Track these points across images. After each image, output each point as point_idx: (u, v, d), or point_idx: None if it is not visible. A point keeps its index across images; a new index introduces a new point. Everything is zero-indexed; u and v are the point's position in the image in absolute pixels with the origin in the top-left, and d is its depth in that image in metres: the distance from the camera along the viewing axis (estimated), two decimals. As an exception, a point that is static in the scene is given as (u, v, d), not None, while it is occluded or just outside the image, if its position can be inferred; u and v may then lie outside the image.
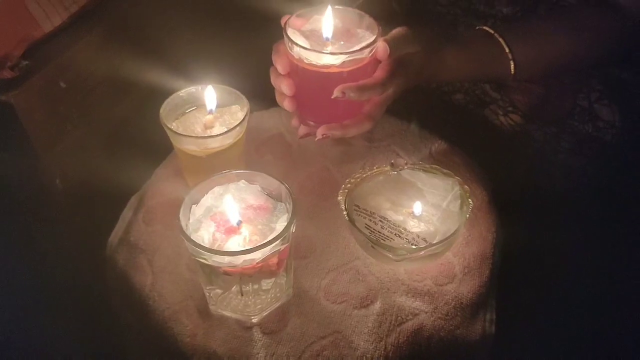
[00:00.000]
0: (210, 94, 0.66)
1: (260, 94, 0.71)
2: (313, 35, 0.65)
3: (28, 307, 0.80)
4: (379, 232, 0.62)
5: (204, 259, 0.53)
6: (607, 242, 0.74)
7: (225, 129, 0.64)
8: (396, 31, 0.64)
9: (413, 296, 0.60)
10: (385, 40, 0.63)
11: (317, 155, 0.74)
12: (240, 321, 0.58)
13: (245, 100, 0.67)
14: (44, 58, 0.74)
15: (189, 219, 0.56)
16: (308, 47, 0.62)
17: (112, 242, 0.67)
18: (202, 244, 0.53)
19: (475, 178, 0.70)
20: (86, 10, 0.79)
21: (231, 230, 0.55)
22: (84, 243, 0.75)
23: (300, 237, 0.63)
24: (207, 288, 0.58)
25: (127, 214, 0.70)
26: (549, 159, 0.79)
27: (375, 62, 0.63)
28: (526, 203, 0.75)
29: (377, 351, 0.56)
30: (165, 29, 0.89)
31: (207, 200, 0.57)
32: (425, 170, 0.65)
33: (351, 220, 0.61)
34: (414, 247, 0.60)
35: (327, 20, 0.64)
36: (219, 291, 0.57)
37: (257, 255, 0.52)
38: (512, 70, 0.71)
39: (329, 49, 0.64)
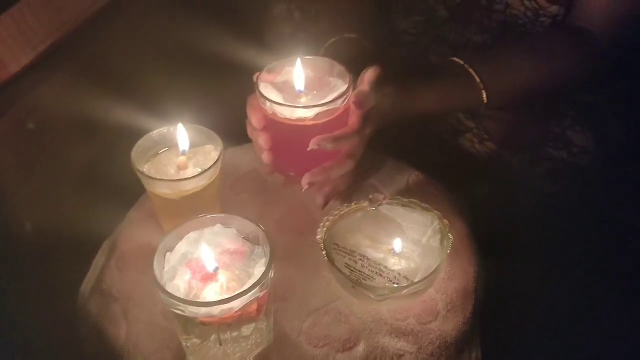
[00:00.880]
0: (182, 134, 0.65)
1: (234, 131, 0.70)
2: (286, 87, 0.65)
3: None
4: (359, 271, 0.61)
5: (180, 310, 0.51)
6: (589, 270, 0.74)
7: (200, 170, 0.63)
8: (371, 73, 0.63)
9: (397, 336, 0.58)
10: (363, 90, 0.62)
11: (293, 191, 0.72)
12: (220, 371, 0.56)
13: (218, 140, 0.65)
14: (10, 99, 0.72)
15: (163, 268, 0.54)
16: (281, 101, 0.62)
17: (84, 290, 0.65)
18: (177, 293, 0.51)
19: (453, 210, 0.70)
20: (54, 50, 0.78)
21: (207, 277, 0.53)
22: (54, 291, 0.72)
23: (279, 279, 0.61)
24: (184, 337, 0.56)
25: (99, 260, 0.68)
26: (526, 185, 0.79)
27: (349, 109, 0.63)
28: (505, 232, 0.75)
29: (363, 396, 0.55)
30: (134, 67, 0.88)
31: (182, 246, 0.55)
32: (403, 205, 0.65)
33: (331, 260, 0.60)
34: (395, 286, 0.59)
35: (298, 73, 0.64)
36: (196, 341, 0.55)
37: (236, 304, 0.50)
38: (485, 99, 0.71)
39: (303, 100, 0.63)
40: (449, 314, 0.60)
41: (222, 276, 0.54)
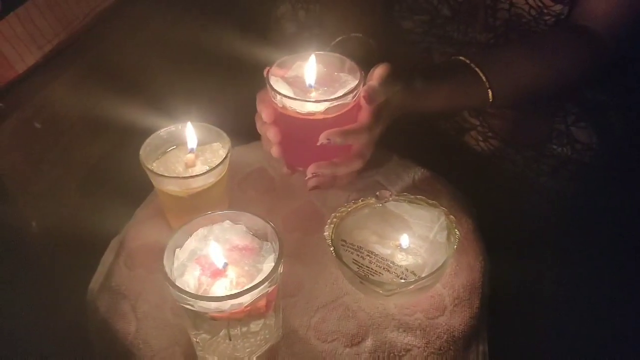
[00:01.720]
0: (190, 132, 0.65)
1: (241, 129, 0.71)
2: (296, 82, 0.65)
3: (4, 358, 0.77)
4: (367, 266, 0.61)
5: (190, 305, 0.51)
6: (593, 265, 0.75)
7: (207, 168, 0.63)
8: (381, 70, 0.64)
9: (404, 331, 0.59)
10: (373, 85, 0.63)
11: (300, 189, 0.73)
12: (229, 366, 0.57)
13: (226, 138, 0.66)
14: (17, 99, 0.73)
15: (173, 264, 0.54)
16: (291, 95, 0.62)
17: (92, 288, 0.65)
18: (187, 289, 0.51)
19: (459, 206, 0.70)
20: (60, 49, 0.78)
21: (217, 273, 0.54)
22: (63, 290, 0.73)
23: (288, 275, 0.62)
24: (194, 333, 0.56)
25: (107, 258, 0.68)
26: (531, 182, 0.80)
27: (359, 105, 0.63)
28: (510, 228, 0.75)
29: (371, 390, 0.55)
30: (141, 66, 0.88)
31: (191, 243, 0.55)
32: (410, 202, 0.65)
33: (338, 257, 0.60)
34: (403, 281, 0.60)
35: (310, 68, 0.64)
36: (206, 336, 0.56)
37: (245, 299, 0.51)
38: (491, 98, 0.72)
39: (313, 95, 0.64)
40: (456, 309, 0.60)
41: (231, 272, 0.54)
